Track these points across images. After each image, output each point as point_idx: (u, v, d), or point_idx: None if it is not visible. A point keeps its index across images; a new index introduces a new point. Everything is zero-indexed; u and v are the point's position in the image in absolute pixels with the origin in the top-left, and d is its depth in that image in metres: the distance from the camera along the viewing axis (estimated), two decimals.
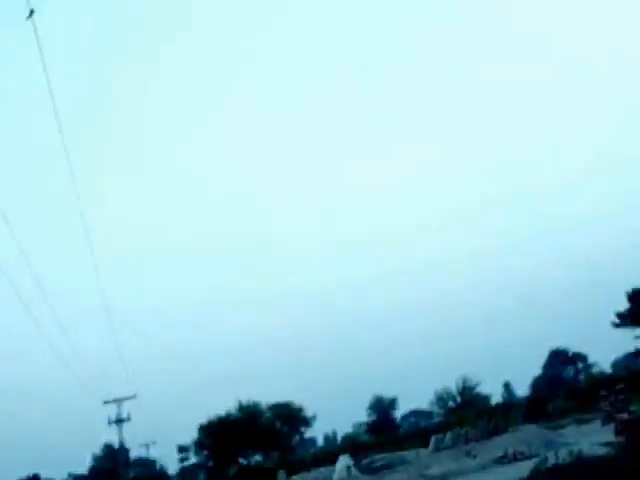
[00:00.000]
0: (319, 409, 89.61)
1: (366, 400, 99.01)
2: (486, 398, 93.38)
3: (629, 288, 79.30)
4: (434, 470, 41.68)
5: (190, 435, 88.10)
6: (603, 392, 50.74)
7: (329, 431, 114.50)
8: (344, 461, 53.32)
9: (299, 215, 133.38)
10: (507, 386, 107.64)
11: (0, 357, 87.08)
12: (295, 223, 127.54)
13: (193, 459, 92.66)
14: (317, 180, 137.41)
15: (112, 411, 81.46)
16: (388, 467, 49.97)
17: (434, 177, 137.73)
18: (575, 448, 28.68)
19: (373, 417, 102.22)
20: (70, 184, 28.05)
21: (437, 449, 51.20)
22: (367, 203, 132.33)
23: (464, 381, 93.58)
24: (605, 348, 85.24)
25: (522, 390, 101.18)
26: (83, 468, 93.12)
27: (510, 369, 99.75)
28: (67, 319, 54.69)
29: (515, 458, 38.02)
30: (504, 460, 38.53)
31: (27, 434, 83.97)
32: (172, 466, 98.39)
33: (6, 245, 30.25)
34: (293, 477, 63.26)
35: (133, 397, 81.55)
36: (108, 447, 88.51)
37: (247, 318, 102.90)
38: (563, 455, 27.25)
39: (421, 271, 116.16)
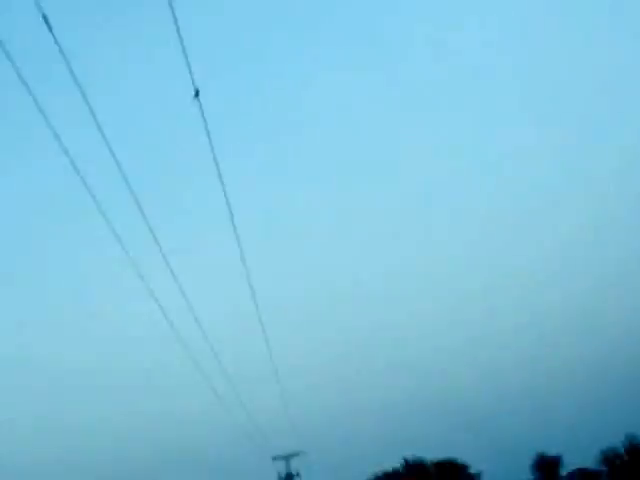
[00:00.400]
0: (483, 467, 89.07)
1: (530, 458, 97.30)
2: None
3: None
4: None
5: None
6: None
7: None
8: None
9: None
10: None
11: (178, 418, 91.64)
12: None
13: None
14: None
15: (281, 467, 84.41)
16: None
17: None
18: None
19: (536, 475, 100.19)
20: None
21: None
22: None
23: (631, 439, 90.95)
24: None
25: None
26: None
27: None
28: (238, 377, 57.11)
29: None
30: None
31: None
32: None
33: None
34: None
35: (301, 453, 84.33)
36: None
37: (412, 379, 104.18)
38: None
39: (594, 330, 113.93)
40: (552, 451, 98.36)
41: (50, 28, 13.69)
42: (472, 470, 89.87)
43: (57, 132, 16.49)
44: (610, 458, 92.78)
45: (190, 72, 17.14)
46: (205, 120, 19.21)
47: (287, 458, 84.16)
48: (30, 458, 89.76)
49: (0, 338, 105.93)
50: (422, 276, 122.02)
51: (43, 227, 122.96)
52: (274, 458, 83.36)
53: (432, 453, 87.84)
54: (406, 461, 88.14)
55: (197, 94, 17.57)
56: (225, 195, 24.55)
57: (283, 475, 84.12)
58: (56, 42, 13.98)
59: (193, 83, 17.29)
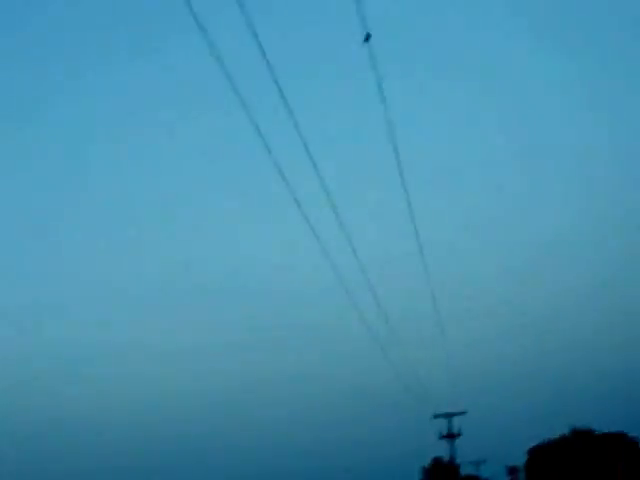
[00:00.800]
0: None
1: None
2: None
3: None
4: None
5: (520, 456, 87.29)
6: None
7: None
8: None
9: None
10: None
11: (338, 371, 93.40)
12: None
13: None
14: None
15: (443, 425, 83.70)
16: None
17: None
18: None
19: None
20: None
21: None
22: None
23: None
24: None
25: None
26: None
27: None
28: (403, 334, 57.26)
29: None
30: None
31: (359, 448, 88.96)
32: None
33: None
34: None
35: (464, 413, 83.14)
36: (437, 461, 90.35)
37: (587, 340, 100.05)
38: None
39: None
40: None
41: None
42: None
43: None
44: None
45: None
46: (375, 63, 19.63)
47: (449, 416, 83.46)
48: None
49: None
50: None
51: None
52: (435, 416, 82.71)
53: (601, 425, 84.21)
54: (575, 429, 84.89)
55: (368, 38, 17.94)
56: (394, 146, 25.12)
57: (444, 433, 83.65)
58: None
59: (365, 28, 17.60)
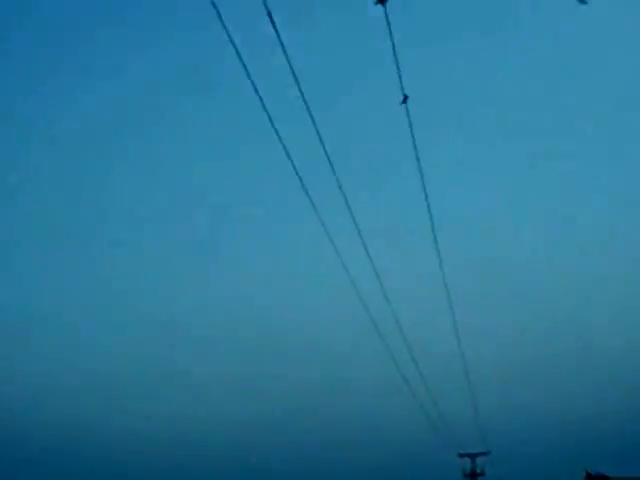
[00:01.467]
0: None
1: None
2: None
3: None
4: None
5: None
6: None
7: None
8: None
9: None
10: None
11: (369, 414, 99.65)
12: None
13: None
14: None
15: (467, 464, 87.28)
16: None
17: None
18: None
19: None
20: None
21: None
22: None
23: None
24: None
25: None
26: None
27: None
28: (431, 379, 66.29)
29: None
30: None
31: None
32: None
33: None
34: None
35: (487, 453, 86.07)
36: None
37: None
38: None
39: None
40: None
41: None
42: None
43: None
44: None
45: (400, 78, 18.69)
46: (411, 123, 21.45)
47: (473, 456, 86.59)
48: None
49: None
50: None
51: None
52: (460, 455, 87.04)
53: (614, 470, 78.42)
54: (588, 474, 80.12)
55: (405, 100, 19.35)
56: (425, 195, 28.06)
57: (467, 472, 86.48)
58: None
59: (402, 89, 19.07)
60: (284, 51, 15.35)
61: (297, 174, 20.74)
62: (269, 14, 13.84)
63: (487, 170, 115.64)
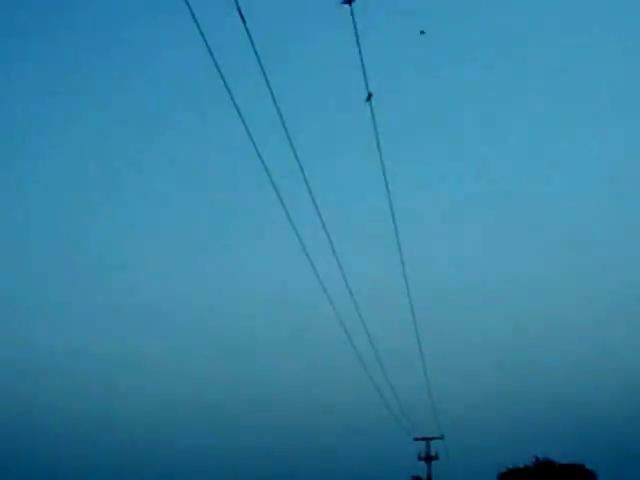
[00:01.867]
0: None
1: None
2: None
3: None
4: None
5: None
6: None
7: None
8: None
9: None
10: None
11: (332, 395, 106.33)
12: None
13: None
14: None
15: (421, 448, 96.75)
16: None
17: None
18: None
19: None
20: None
21: None
22: None
23: None
24: None
25: None
26: None
27: None
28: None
29: None
30: None
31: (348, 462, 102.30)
32: None
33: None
34: None
35: (441, 438, 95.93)
36: (416, 479, 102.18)
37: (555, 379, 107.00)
38: None
39: None
40: None
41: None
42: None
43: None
44: None
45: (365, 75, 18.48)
46: (375, 122, 21.67)
47: (428, 440, 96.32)
48: None
49: None
50: None
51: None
52: (415, 439, 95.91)
53: (561, 456, 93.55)
54: (537, 459, 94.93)
55: (369, 98, 19.15)
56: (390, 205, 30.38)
57: (423, 455, 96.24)
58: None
59: (367, 86, 18.83)
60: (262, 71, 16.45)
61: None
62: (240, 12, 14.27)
63: None
